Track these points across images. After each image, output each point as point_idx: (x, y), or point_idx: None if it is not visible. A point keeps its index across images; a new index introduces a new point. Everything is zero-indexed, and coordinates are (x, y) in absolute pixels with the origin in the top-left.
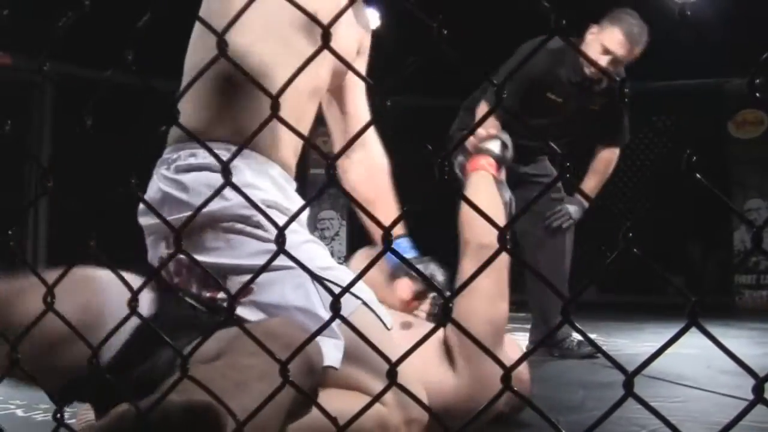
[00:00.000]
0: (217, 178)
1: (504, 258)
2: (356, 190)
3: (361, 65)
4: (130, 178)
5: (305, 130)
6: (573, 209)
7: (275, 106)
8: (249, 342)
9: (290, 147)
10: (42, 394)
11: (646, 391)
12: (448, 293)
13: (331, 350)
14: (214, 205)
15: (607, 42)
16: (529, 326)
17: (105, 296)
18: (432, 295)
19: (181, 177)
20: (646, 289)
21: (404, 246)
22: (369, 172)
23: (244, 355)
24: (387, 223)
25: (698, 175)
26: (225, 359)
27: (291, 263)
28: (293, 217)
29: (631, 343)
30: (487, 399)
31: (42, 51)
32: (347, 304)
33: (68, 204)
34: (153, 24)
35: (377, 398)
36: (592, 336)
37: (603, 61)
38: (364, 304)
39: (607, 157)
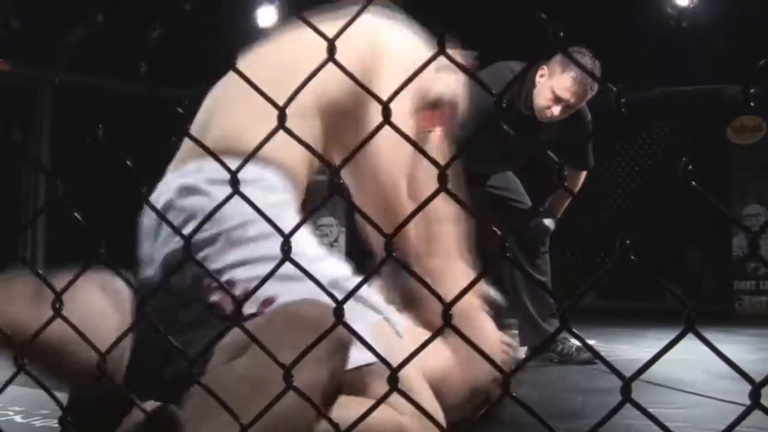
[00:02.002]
0: (255, 193)
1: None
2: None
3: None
4: (141, 186)
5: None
6: (548, 221)
7: (282, 118)
8: (274, 331)
9: (301, 160)
10: (41, 400)
11: (644, 396)
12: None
13: (362, 353)
14: (243, 218)
15: (557, 89)
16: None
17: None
18: None
19: (217, 189)
20: (645, 295)
21: None
22: None
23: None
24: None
25: (694, 183)
26: (248, 354)
27: (311, 268)
28: (300, 224)
29: (631, 348)
30: None
31: (51, 62)
32: (368, 316)
33: (69, 210)
34: (159, 34)
35: (382, 400)
36: (591, 342)
37: (555, 109)
38: (384, 318)
39: (573, 181)
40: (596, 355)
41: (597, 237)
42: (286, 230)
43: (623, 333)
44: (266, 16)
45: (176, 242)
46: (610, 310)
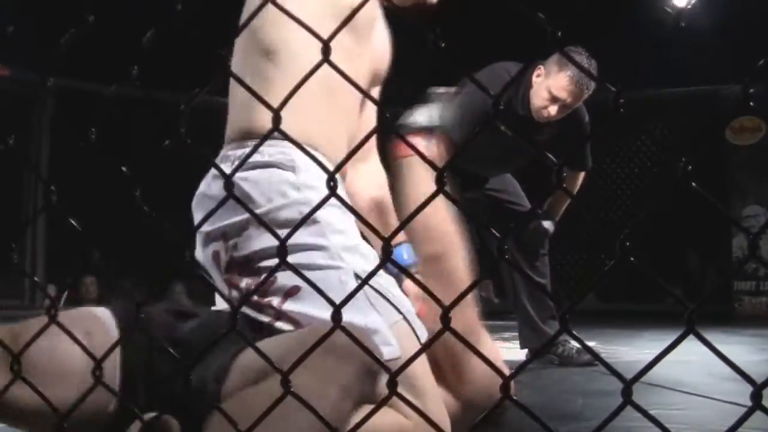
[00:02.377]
0: (283, 175)
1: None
2: (358, 202)
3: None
4: (135, 191)
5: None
6: (547, 224)
7: (276, 121)
8: (301, 354)
9: (344, 146)
10: None
11: (646, 398)
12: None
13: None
14: (273, 204)
15: (554, 89)
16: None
17: (107, 325)
18: None
19: (247, 174)
20: (645, 297)
21: (402, 252)
22: (372, 184)
23: (294, 372)
24: (387, 233)
25: (693, 184)
26: (273, 379)
27: (336, 263)
28: (296, 228)
29: (631, 350)
30: None
31: (45, 66)
32: (389, 315)
33: (67, 217)
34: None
35: (384, 402)
36: (591, 344)
37: (552, 109)
38: (405, 318)
39: (571, 183)
40: (596, 357)
41: (597, 239)
42: (322, 212)
43: (623, 335)
44: None
45: (208, 224)
46: (610, 312)
